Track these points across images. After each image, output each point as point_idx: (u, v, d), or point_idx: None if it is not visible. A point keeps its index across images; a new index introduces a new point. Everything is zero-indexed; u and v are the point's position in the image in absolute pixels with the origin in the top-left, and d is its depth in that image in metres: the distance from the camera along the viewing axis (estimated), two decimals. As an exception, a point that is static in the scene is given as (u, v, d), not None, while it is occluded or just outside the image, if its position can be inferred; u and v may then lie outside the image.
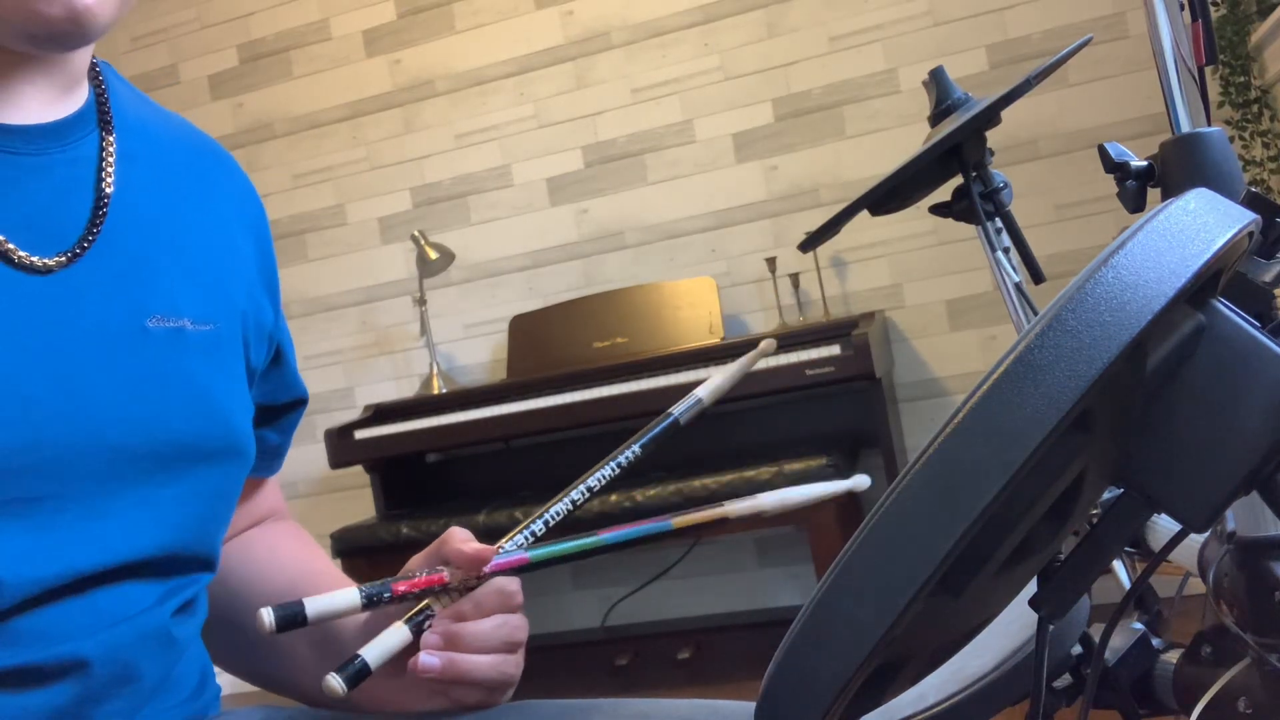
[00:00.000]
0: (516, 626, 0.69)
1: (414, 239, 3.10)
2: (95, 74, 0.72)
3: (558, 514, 0.71)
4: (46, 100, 0.66)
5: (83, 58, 0.69)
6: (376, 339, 3.39)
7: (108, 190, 0.67)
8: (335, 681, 0.60)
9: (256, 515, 0.87)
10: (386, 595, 0.65)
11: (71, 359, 0.62)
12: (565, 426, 2.78)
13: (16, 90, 0.64)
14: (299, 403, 0.85)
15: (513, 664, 0.69)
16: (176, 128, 0.78)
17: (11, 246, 0.62)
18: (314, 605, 0.62)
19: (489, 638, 0.67)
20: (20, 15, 0.59)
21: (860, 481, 0.70)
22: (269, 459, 0.85)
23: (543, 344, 3.02)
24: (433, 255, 3.08)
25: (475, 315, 3.30)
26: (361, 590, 0.64)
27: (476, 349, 3.30)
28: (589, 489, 0.72)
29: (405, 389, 3.34)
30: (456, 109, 3.29)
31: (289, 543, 0.86)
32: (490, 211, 3.28)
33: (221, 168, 0.79)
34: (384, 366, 3.39)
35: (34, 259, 0.62)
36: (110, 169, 0.68)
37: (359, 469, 2.98)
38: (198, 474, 0.68)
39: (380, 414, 2.96)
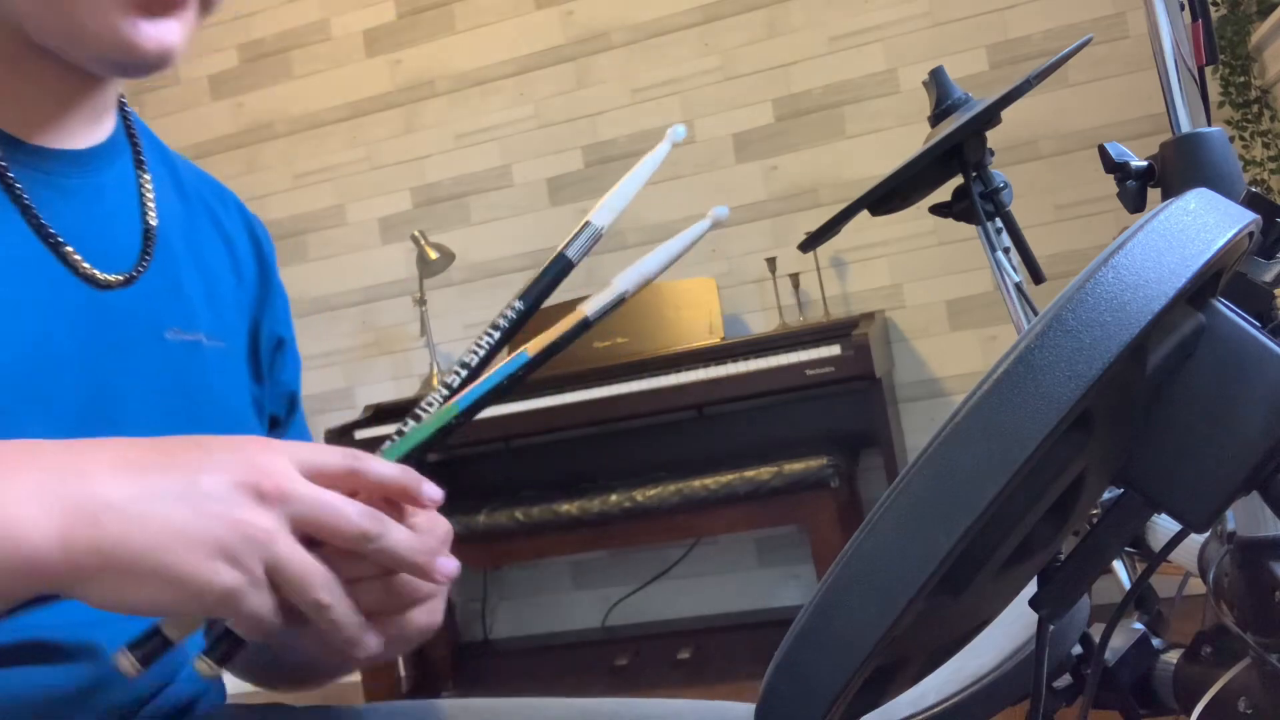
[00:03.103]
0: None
1: (414, 239, 3.09)
2: (119, 101, 0.74)
3: (450, 384, 0.59)
4: (86, 126, 0.68)
5: (120, 84, 0.71)
6: (376, 339, 3.39)
7: (152, 223, 0.71)
8: (204, 665, 0.53)
9: None
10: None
11: (103, 368, 0.64)
12: (565, 426, 2.78)
13: (62, 117, 0.66)
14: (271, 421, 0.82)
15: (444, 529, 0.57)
16: (184, 163, 0.82)
17: (79, 257, 0.64)
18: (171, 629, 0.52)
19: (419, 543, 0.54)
20: (111, 45, 0.60)
21: (719, 212, 0.59)
22: None
23: (543, 344, 3.01)
24: (433, 255, 3.07)
25: (475, 315, 3.29)
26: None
27: (476, 349, 3.30)
28: (475, 350, 0.60)
29: (405, 389, 3.33)
30: (456, 109, 3.29)
31: None
32: (490, 211, 3.28)
33: (226, 201, 0.83)
34: (384, 366, 3.39)
35: (96, 272, 0.65)
36: (151, 203, 0.72)
37: (359, 469, 2.98)
38: None
39: (380, 414, 2.96)
